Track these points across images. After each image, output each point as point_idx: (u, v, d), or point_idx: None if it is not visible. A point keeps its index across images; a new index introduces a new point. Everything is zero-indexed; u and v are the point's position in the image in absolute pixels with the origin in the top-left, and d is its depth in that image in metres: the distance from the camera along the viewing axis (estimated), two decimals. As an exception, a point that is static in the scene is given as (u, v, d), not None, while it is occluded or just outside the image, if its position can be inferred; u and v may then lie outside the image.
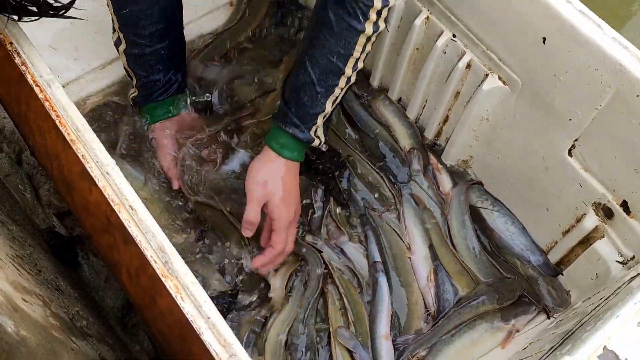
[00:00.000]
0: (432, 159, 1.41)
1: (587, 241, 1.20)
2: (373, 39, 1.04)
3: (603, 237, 1.16)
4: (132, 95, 1.27)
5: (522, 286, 1.24)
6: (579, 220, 1.20)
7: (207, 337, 0.73)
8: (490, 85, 1.21)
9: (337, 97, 1.09)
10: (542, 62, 1.10)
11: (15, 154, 1.50)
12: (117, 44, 1.18)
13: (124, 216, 0.78)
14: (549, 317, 1.20)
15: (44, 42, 1.42)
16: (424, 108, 1.43)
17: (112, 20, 1.16)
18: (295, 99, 1.07)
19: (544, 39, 1.06)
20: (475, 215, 1.34)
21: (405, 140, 1.43)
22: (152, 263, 0.76)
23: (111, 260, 0.86)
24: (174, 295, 0.75)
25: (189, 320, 0.74)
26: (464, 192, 1.35)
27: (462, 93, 1.30)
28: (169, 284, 0.76)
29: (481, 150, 1.35)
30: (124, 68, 1.22)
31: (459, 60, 1.25)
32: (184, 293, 0.75)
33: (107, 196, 0.79)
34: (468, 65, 1.25)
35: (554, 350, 0.81)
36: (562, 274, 1.25)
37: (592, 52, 1.00)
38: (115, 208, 0.79)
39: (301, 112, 1.08)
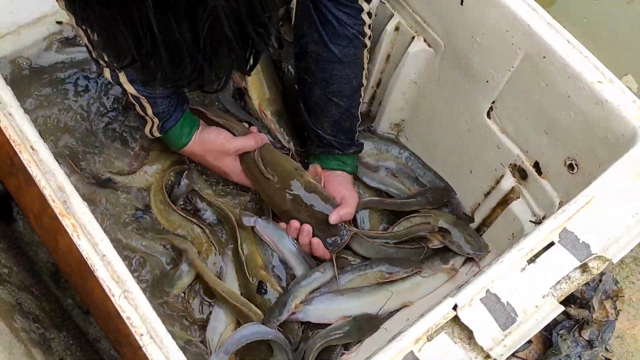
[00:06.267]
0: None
1: (505, 202, 1.24)
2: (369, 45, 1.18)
3: (519, 197, 1.20)
4: (155, 128, 1.14)
5: (449, 192, 1.33)
6: (498, 182, 1.23)
7: (101, 274, 0.75)
8: (417, 47, 1.24)
9: (361, 103, 1.23)
10: (460, 23, 1.12)
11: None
12: (114, 78, 1.06)
13: (24, 157, 0.80)
14: (478, 264, 1.25)
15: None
16: (359, 72, 1.45)
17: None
18: (338, 130, 1.22)
19: (462, 0, 1.09)
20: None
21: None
22: (51, 202, 0.78)
23: (20, 202, 0.87)
24: (70, 233, 0.77)
25: (85, 257, 0.76)
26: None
27: (392, 56, 1.33)
28: (66, 222, 0.77)
29: (411, 113, 1.38)
30: (134, 102, 1.10)
31: (387, 23, 1.27)
32: (80, 231, 0.77)
33: (8, 137, 0.80)
34: (397, 28, 1.27)
35: (446, 297, 0.84)
36: (474, 220, 1.32)
37: (503, 14, 1.03)
38: (17, 149, 0.80)
39: (349, 135, 1.24)
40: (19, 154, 0.80)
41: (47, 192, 0.78)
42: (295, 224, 1.19)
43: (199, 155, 1.22)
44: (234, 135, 1.22)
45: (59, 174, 0.79)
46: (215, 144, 1.19)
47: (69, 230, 0.77)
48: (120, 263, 0.76)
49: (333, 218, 1.16)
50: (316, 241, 1.18)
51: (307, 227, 1.18)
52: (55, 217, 0.78)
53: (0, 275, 1.06)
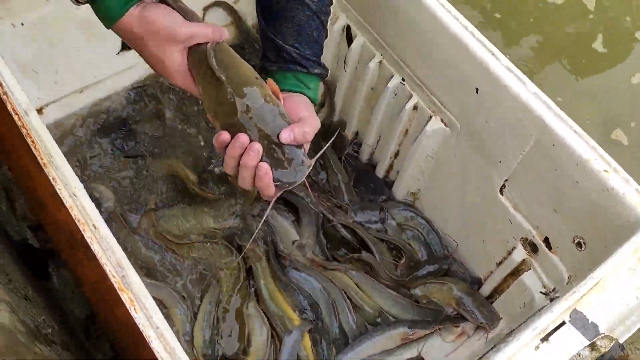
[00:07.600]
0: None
1: (516, 272, 1.32)
2: None
3: (529, 269, 1.28)
4: None
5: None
6: (510, 253, 1.32)
7: (155, 345, 0.83)
8: (433, 126, 1.34)
9: (330, 14, 1.05)
10: (476, 109, 1.22)
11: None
12: None
13: (87, 234, 0.88)
14: (487, 332, 1.33)
15: (25, 60, 1.50)
16: (378, 142, 1.55)
17: None
18: (303, 39, 1.00)
19: (477, 89, 1.19)
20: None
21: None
22: (111, 277, 0.86)
23: (76, 273, 0.96)
24: (128, 306, 0.85)
25: (141, 329, 0.84)
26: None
27: (410, 131, 1.43)
28: (125, 296, 0.85)
29: (427, 184, 1.47)
30: None
31: (406, 102, 1.37)
32: (137, 305, 0.85)
33: (73, 216, 0.89)
34: (415, 107, 1.37)
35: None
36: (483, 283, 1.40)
37: (516, 105, 1.13)
38: (80, 227, 0.89)
39: (315, 50, 1.02)
40: (83, 232, 0.88)
41: (108, 268, 0.86)
42: (243, 138, 0.90)
43: (138, 37, 0.92)
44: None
45: (118, 251, 0.88)
46: (162, 25, 0.90)
47: (127, 303, 0.85)
48: (171, 334, 0.84)
49: (285, 136, 0.90)
50: (264, 167, 0.90)
51: (257, 146, 0.90)
52: (114, 290, 0.86)
53: (45, 336, 1.13)
